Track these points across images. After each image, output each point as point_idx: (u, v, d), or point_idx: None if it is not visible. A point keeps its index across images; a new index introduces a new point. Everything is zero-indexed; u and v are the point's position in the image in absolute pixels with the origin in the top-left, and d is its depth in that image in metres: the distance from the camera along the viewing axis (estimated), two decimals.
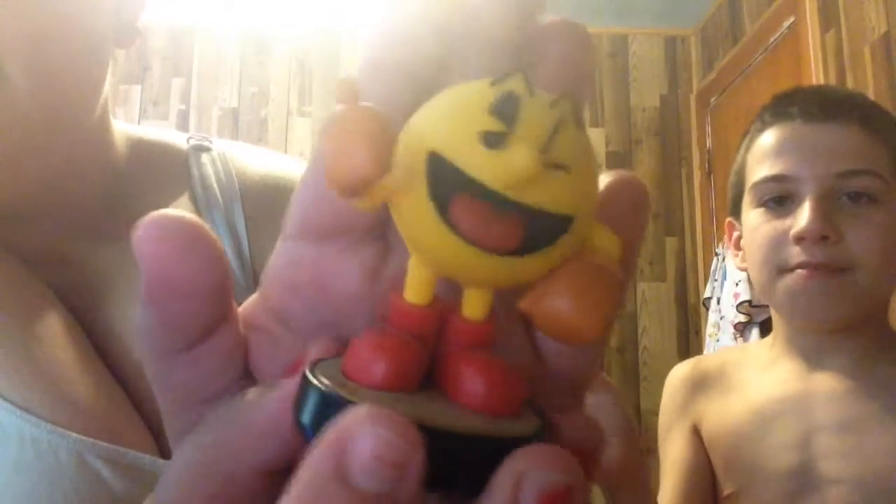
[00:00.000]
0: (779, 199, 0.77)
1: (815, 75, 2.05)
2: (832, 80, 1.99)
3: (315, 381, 0.16)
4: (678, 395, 0.87)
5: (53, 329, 0.42)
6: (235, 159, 0.57)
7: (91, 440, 0.38)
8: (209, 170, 0.56)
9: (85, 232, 0.48)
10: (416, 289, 0.18)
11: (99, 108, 0.48)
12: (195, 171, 0.55)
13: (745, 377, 0.84)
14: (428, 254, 0.17)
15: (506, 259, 0.16)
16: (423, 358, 0.18)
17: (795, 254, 0.74)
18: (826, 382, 0.77)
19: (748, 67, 2.50)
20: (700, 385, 0.86)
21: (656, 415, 2.98)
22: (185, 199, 0.53)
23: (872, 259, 0.73)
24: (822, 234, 0.73)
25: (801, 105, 0.78)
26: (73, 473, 0.37)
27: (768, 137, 0.79)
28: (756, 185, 0.79)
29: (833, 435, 0.74)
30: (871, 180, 0.74)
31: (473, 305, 0.18)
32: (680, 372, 0.90)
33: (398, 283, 0.19)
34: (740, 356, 0.88)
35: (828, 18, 2.03)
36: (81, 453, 0.38)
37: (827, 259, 0.73)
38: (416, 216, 0.16)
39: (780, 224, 0.76)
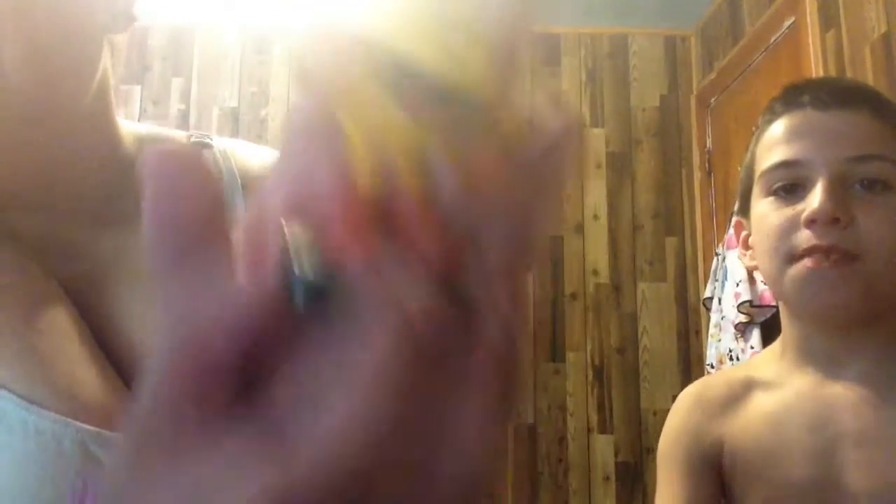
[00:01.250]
0: (789, 186, 0.75)
1: (815, 75, 2.05)
2: None
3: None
4: (691, 417, 0.83)
5: (57, 320, 0.42)
6: (236, 156, 0.57)
7: (95, 429, 0.38)
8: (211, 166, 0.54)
9: (88, 222, 0.48)
10: None
11: (94, 97, 0.48)
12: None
13: (760, 391, 0.81)
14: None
15: None
16: None
17: (805, 239, 0.72)
18: (844, 391, 0.75)
19: (748, 67, 2.50)
20: (714, 406, 0.82)
21: (656, 415, 2.97)
22: None
23: (884, 246, 0.71)
24: (834, 217, 0.71)
25: (812, 93, 0.77)
26: (77, 463, 0.38)
27: (779, 126, 0.78)
28: (766, 172, 0.77)
29: (856, 446, 0.72)
30: (884, 166, 0.72)
31: None
32: (691, 394, 0.86)
33: None
34: (750, 371, 0.85)
35: (828, 18, 2.03)
36: (85, 443, 0.38)
37: (838, 242, 0.71)
38: None
39: (790, 211, 0.74)
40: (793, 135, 0.76)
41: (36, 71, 0.43)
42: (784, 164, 0.75)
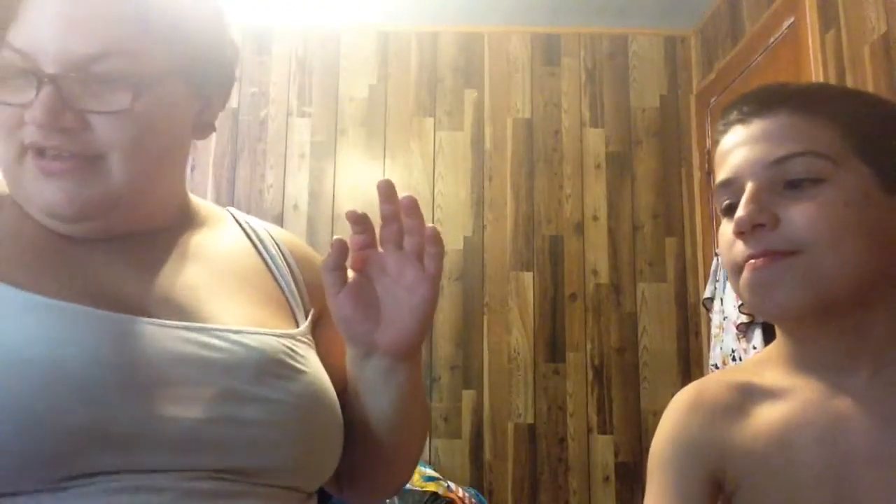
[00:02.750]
0: (732, 204, 0.76)
1: (815, 76, 2.04)
2: (832, 81, 1.99)
3: None
4: (686, 423, 0.80)
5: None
6: (257, 221, 0.86)
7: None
8: (246, 217, 0.85)
9: (156, 237, 0.74)
10: None
11: (181, 177, 0.77)
12: (240, 218, 0.84)
13: (763, 399, 0.78)
14: None
15: None
16: None
17: (741, 250, 0.73)
18: (852, 403, 0.72)
19: (748, 68, 2.50)
20: (712, 412, 0.79)
21: (656, 415, 2.99)
22: (238, 229, 0.82)
23: (821, 238, 0.70)
24: (755, 223, 0.71)
25: (738, 108, 0.78)
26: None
27: (719, 150, 0.80)
28: (714, 194, 0.79)
29: (869, 466, 0.70)
30: (810, 161, 0.72)
31: None
32: (685, 398, 0.83)
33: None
34: (750, 376, 0.81)
35: (828, 18, 2.03)
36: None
37: (768, 246, 0.71)
38: None
39: (730, 227, 0.75)
40: (725, 154, 0.78)
41: (137, 171, 0.66)
42: (721, 185, 0.77)
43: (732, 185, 0.76)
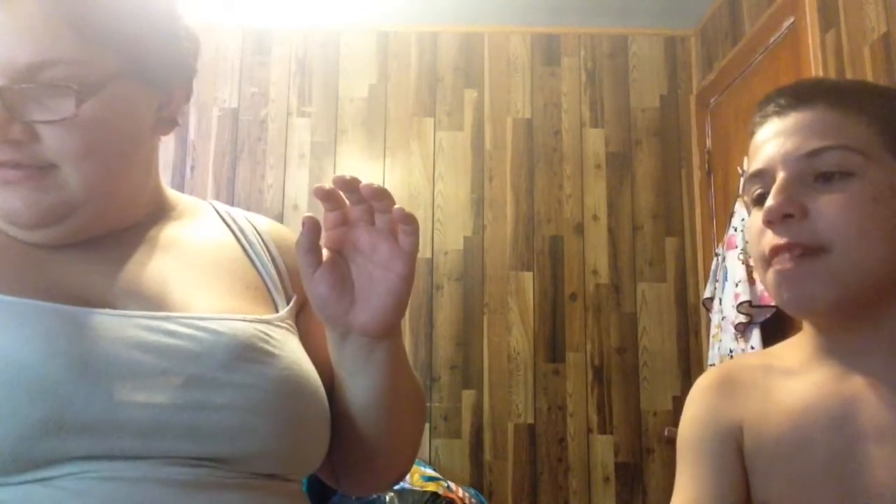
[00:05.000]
0: (763, 194, 0.77)
1: (815, 75, 2.04)
2: None
3: None
4: (711, 400, 0.83)
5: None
6: (238, 211, 0.85)
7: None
8: (228, 208, 0.85)
9: (127, 231, 0.74)
10: None
11: (142, 167, 0.75)
12: (221, 209, 0.84)
13: (779, 382, 0.81)
14: None
15: None
16: None
17: (769, 240, 0.74)
18: (863, 386, 0.75)
19: (748, 68, 2.50)
20: (734, 389, 0.82)
21: (656, 415, 2.97)
22: (218, 220, 0.82)
23: (847, 234, 0.71)
24: (785, 213, 0.72)
25: (775, 101, 0.79)
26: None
27: (754, 139, 0.81)
28: (744, 185, 0.81)
29: (878, 445, 0.71)
30: (841, 155, 0.73)
31: None
32: (710, 377, 0.86)
33: None
34: (769, 360, 0.84)
35: (828, 19, 2.03)
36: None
37: (795, 237, 0.72)
38: None
39: (760, 217, 0.77)
40: (760, 145, 0.79)
41: (92, 175, 0.66)
42: (753, 175, 0.78)
43: (764, 176, 0.77)
